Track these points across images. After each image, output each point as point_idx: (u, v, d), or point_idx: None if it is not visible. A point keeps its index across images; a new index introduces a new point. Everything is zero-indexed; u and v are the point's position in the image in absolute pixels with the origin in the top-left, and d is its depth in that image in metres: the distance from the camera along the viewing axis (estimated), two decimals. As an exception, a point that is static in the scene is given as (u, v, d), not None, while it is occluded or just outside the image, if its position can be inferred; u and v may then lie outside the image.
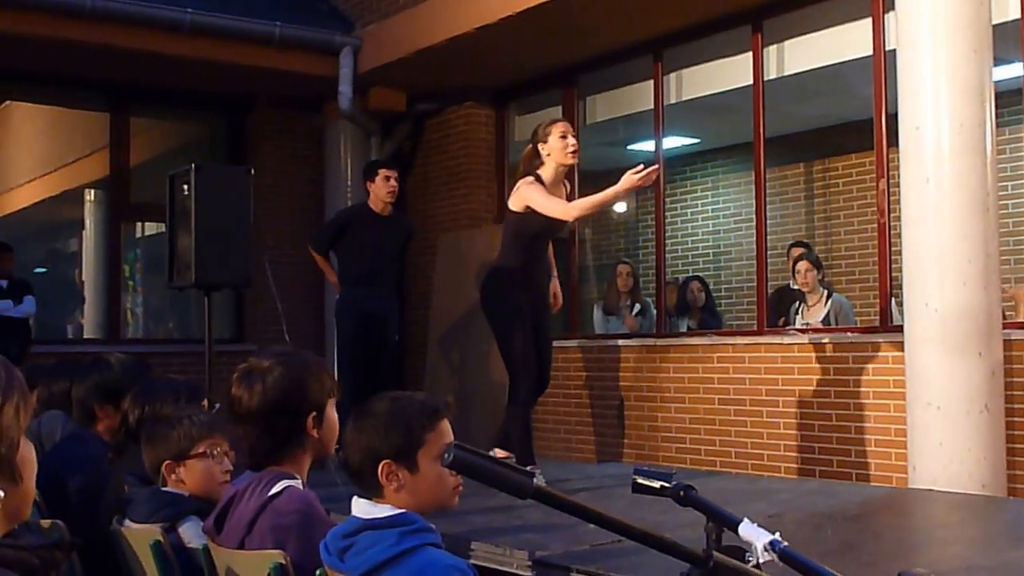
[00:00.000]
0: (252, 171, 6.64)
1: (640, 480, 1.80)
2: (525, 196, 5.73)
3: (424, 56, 8.87)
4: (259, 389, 2.70)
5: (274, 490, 2.63)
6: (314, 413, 2.74)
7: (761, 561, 1.68)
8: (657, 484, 1.79)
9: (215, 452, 3.15)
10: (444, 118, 10.10)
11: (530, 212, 5.71)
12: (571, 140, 5.76)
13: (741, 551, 1.69)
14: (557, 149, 5.74)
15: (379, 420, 2.43)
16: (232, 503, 2.72)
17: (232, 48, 8.87)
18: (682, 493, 1.76)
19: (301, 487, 2.70)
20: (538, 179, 5.76)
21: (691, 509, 1.77)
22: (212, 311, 6.51)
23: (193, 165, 6.34)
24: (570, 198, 5.95)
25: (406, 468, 2.40)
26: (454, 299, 9.00)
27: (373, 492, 2.42)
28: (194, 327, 10.41)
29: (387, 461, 2.39)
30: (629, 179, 5.38)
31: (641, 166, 5.41)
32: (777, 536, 1.69)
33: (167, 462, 3.14)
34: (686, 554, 1.61)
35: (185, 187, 6.35)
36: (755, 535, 1.69)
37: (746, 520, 1.71)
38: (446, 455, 1.61)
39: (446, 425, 2.48)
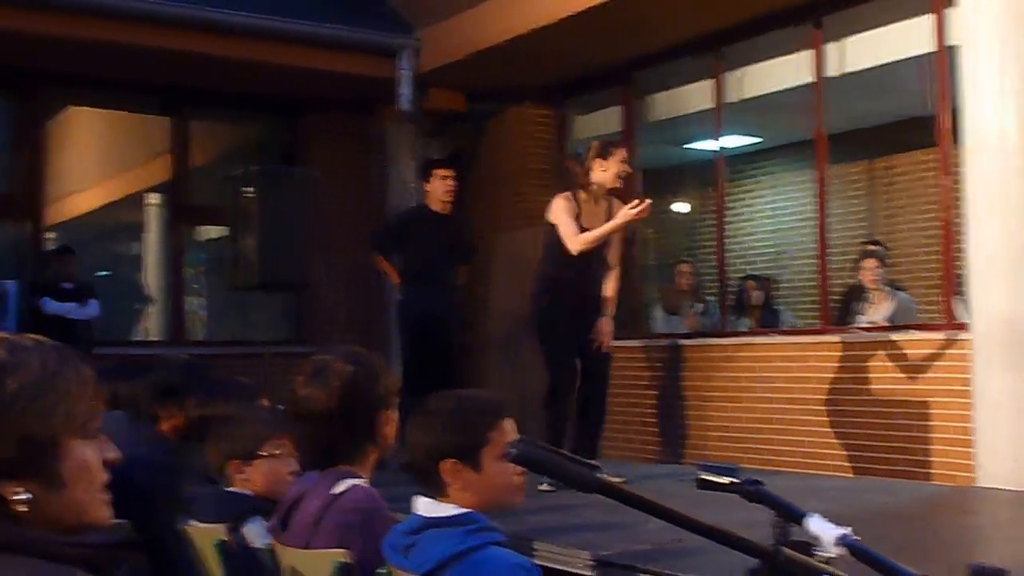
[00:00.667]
0: (312, 172, 6.71)
1: (705, 476, 1.76)
2: (553, 211, 6.07)
3: (482, 56, 8.90)
4: (336, 386, 2.70)
5: (339, 489, 2.63)
6: (387, 409, 2.75)
7: (831, 556, 1.65)
8: (724, 480, 1.75)
9: (281, 452, 3.17)
10: (502, 118, 10.12)
11: None
12: (627, 167, 6.16)
13: (809, 546, 1.67)
14: (612, 173, 6.03)
15: (443, 418, 2.43)
16: (297, 502, 2.73)
17: (291, 51, 8.95)
18: (749, 488, 1.72)
19: (362, 485, 2.69)
20: (574, 195, 6.07)
21: (751, 509, 1.74)
22: (271, 313, 6.59)
23: (254, 167, 6.43)
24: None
25: (470, 466, 2.39)
26: (512, 299, 9.01)
27: (437, 491, 2.40)
28: (254, 329, 10.52)
29: (451, 459, 2.38)
30: (626, 214, 5.79)
31: (636, 201, 5.79)
32: (848, 531, 1.66)
33: (234, 462, 3.17)
34: (754, 549, 1.58)
35: (246, 189, 6.44)
36: (824, 529, 1.66)
37: (815, 514, 1.69)
38: (512, 449, 1.60)
39: (510, 423, 2.46)
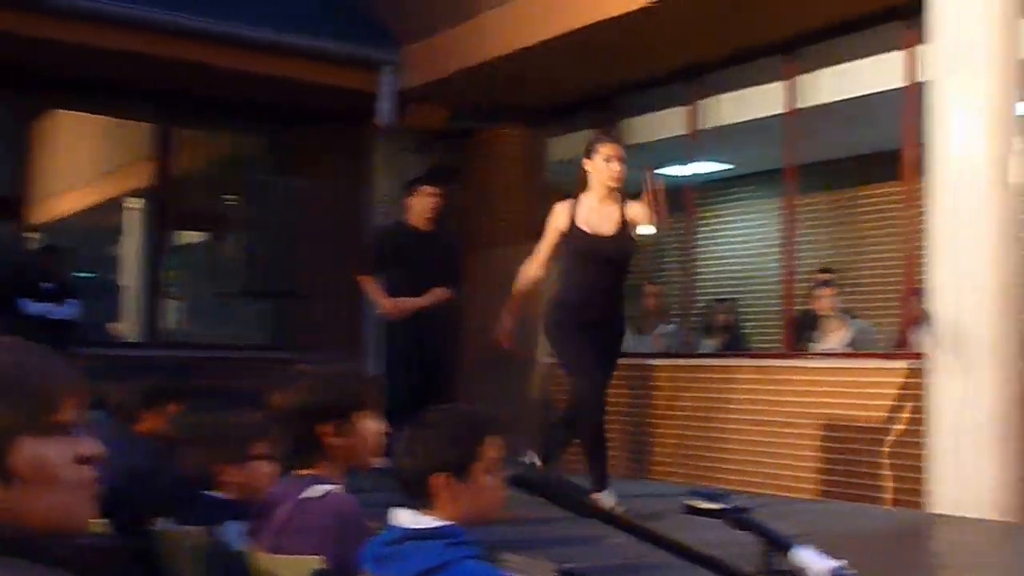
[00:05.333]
0: (298, 183, 6.81)
1: (692, 502, 1.79)
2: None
3: (464, 75, 9.02)
4: (290, 393, 2.77)
5: (312, 493, 2.66)
6: (335, 421, 2.77)
7: None
8: (711, 506, 1.78)
9: (264, 456, 3.22)
10: (482, 137, 10.23)
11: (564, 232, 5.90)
12: (615, 166, 5.83)
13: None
14: (601, 170, 5.85)
15: (437, 432, 2.46)
16: (271, 506, 2.76)
17: (278, 62, 9.06)
18: (736, 516, 1.76)
19: (340, 491, 2.71)
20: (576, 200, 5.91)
21: (734, 533, 1.76)
22: (251, 319, 6.70)
23: (242, 176, 6.54)
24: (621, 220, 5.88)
25: (459, 480, 2.40)
26: (490, 318, 9.11)
27: (423, 503, 2.41)
28: (232, 333, 10.61)
29: (441, 473, 2.39)
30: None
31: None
32: (841, 564, 1.68)
33: (218, 465, 3.27)
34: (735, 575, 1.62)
35: (234, 197, 6.55)
36: (814, 561, 1.68)
37: (803, 546, 1.71)
38: (509, 472, 1.63)
39: (500, 439, 2.48)
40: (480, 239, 10.05)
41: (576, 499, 1.64)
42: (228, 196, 6.49)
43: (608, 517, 1.64)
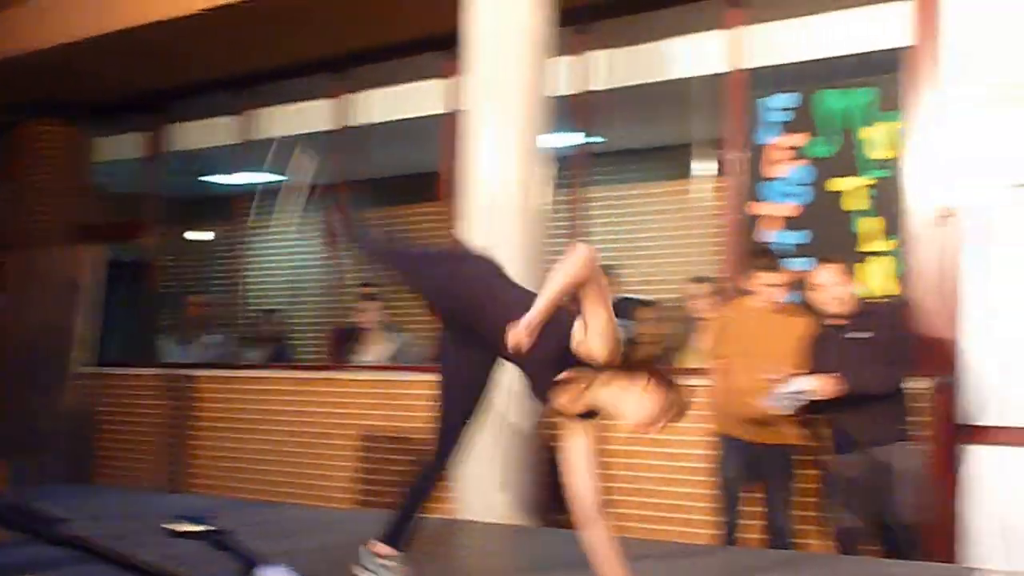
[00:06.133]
0: None
1: (171, 526, 1.91)
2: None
3: (1, 64, 8.49)
4: None
5: None
6: None
7: None
8: (191, 528, 1.89)
9: None
10: (22, 131, 9.67)
11: None
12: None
13: None
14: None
15: None
16: None
17: None
18: (214, 538, 1.88)
19: None
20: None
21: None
22: None
23: None
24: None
25: None
26: (24, 322, 8.60)
27: None
28: None
29: None
30: None
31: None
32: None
33: None
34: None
35: None
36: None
37: (270, 565, 1.85)
38: None
39: (3, 461, 2.45)
40: (19, 239, 9.47)
41: (41, 527, 1.65)
42: None
43: (80, 544, 1.66)
